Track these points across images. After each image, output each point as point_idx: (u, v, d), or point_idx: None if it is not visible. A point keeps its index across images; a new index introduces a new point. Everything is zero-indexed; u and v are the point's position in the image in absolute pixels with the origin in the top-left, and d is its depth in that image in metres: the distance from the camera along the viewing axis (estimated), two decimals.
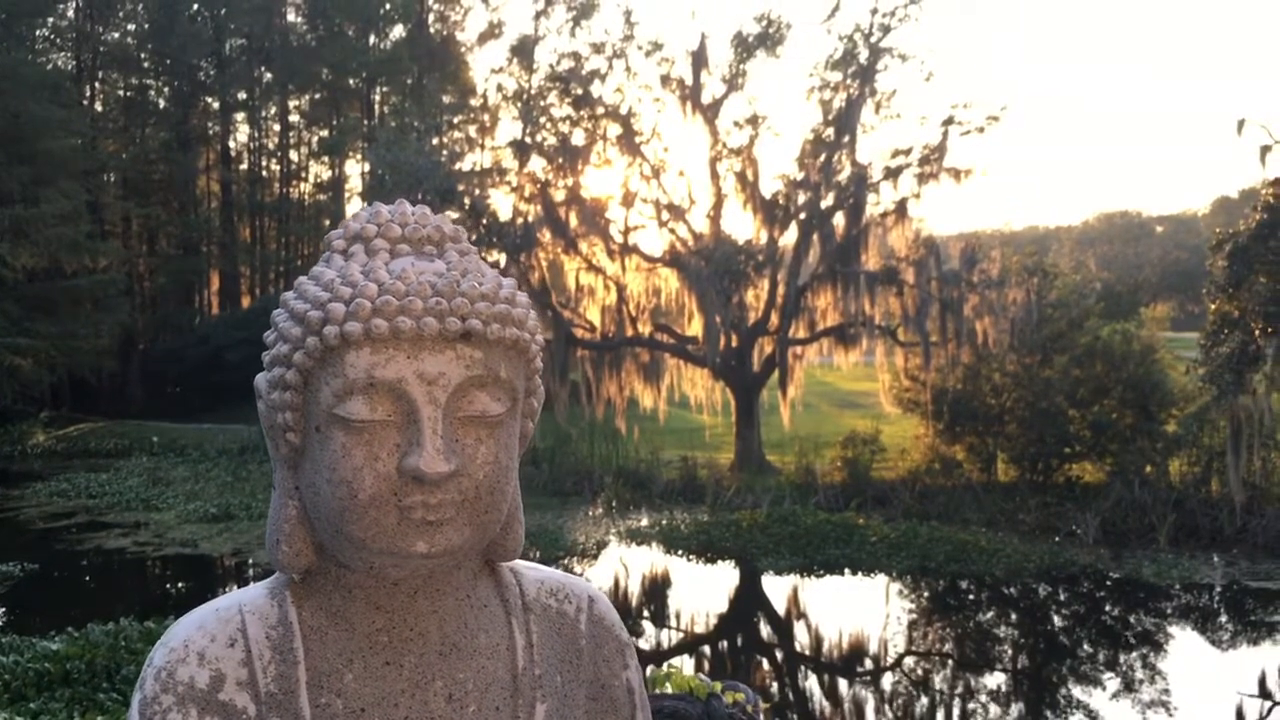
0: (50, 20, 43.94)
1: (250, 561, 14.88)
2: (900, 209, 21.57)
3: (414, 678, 1.18)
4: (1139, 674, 10.24)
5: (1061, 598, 13.30)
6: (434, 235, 1.20)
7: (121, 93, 47.79)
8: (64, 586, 14.11)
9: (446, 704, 1.18)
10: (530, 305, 1.20)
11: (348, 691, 1.16)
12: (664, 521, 17.62)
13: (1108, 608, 13.02)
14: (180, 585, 14.54)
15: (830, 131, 22.10)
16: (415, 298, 1.09)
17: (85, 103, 43.92)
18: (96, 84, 46.76)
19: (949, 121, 21.28)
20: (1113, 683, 9.92)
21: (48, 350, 32.01)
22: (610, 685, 1.33)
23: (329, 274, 1.14)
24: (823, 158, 21.97)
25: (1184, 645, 11.36)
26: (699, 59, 22.62)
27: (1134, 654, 10.99)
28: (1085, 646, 11.42)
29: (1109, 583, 13.71)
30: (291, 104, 49.34)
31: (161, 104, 47.01)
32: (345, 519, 1.09)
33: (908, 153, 21.53)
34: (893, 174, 21.64)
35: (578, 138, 23.20)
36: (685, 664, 10.89)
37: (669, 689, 4.36)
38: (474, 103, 42.69)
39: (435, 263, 1.15)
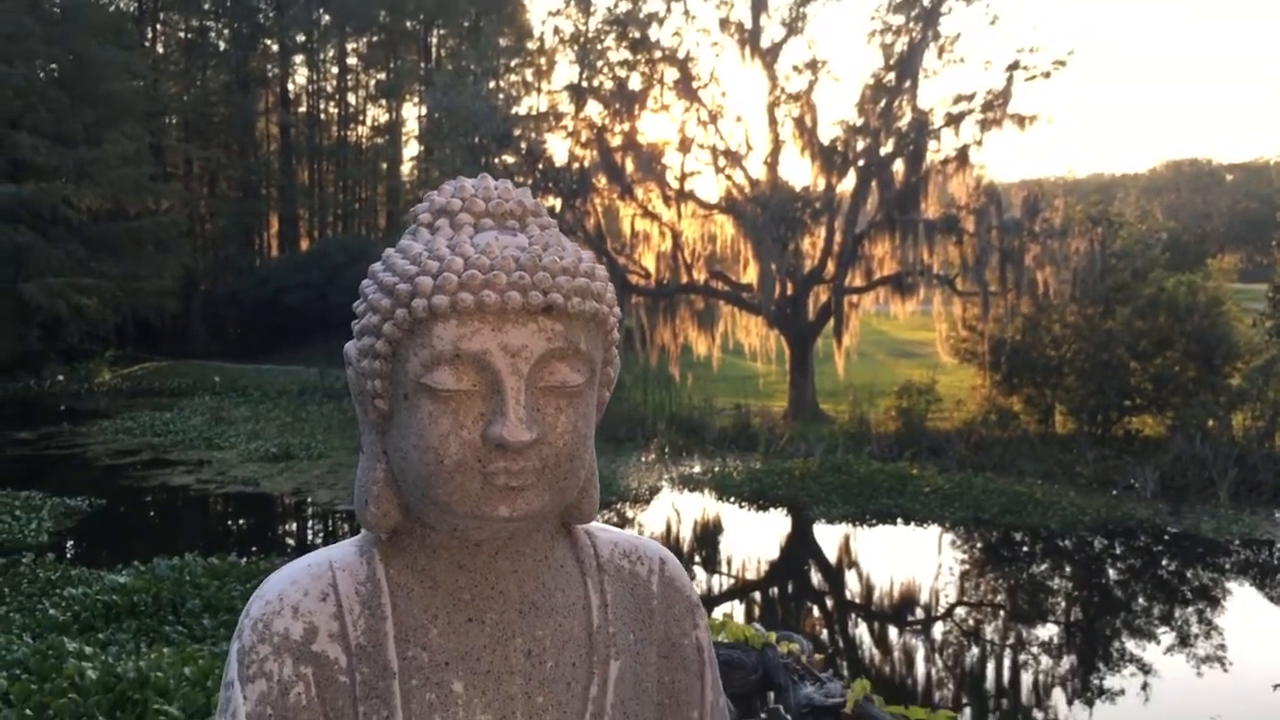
0: None
1: (309, 500, 15.16)
2: (961, 156, 21.20)
3: (495, 634, 1.22)
4: (1194, 629, 10.14)
5: (1117, 551, 13.18)
6: (516, 209, 1.23)
7: (182, 34, 48.18)
8: (130, 522, 14.48)
9: (526, 659, 1.23)
10: (609, 279, 1.23)
11: (433, 645, 1.21)
12: (716, 468, 17.66)
13: (1164, 562, 12.89)
14: (241, 523, 14.86)
15: (891, 76, 21.72)
16: (499, 272, 1.12)
17: (147, 45, 44.35)
18: (158, 25, 47.17)
19: (1014, 66, 20.81)
20: (1167, 637, 9.84)
21: (112, 291, 32.67)
22: (681, 644, 1.38)
23: (416, 248, 1.17)
24: (883, 103, 21.62)
25: (1242, 601, 11.22)
26: (758, 2, 22.28)
27: (1190, 609, 10.88)
28: (1140, 600, 11.33)
29: (1166, 537, 13.56)
30: (349, 47, 49.45)
31: (221, 46, 47.35)
32: (431, 483, 1.13)
33: (970, 98, 21.11)
34: (954, 120, 21.24)
35: (634, 82, 23.01)
36: (736, 610, 10.97)
37: (724, 638, 4.40)
38: (531, 46, 42.53)
39: (518, 236, 1.18)
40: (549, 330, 1.13)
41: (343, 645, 1.20)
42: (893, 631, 10.18)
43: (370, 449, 1.23)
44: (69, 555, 11.61)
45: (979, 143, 21.16)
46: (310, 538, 14.03)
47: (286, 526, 14.77)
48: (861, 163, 22.00)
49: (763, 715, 4.41)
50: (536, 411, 1.13)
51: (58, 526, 12.90)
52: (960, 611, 10.76)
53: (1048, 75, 20.79)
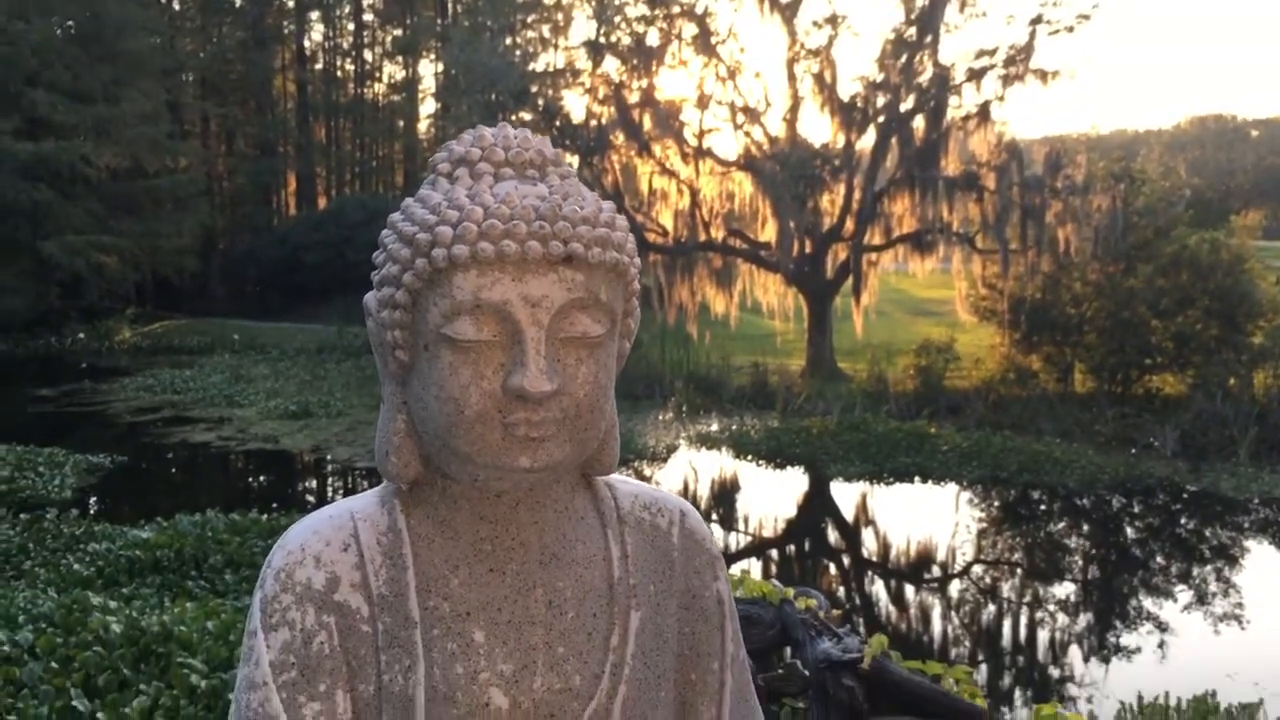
0: None
1: (329, 458, 15.26)
2: (983, 112, 20.97)
3: (516, 584, 1.23)
4: (1212, 587, 10.13)
5: (1135, 510, 13.16)
6: (536, 159, 1.22)
7: None
8: (151, 478, 14.61)
9: (547, 610, 1.23)
10: (629, 228, 1.21)
11: (454, 595, 1.21)
12: (734, 427, 17.68)
13: (1183, 520, 12.86)
14: (262, 479, 14.97)
15: (912, 31, 21.44)
16: (519, 221, 1.11)
17: (163, 1, 44.15)
18: None
19: (1037, 20, 20.51)
20: (1185, 595, 9.84)
21: (132, 249, 32.77)
22: (701, 596, 1.38)
23: (435, 197, 1.17)
24: (903, 59, 21.36)
25: (1261, 560, 11.20)
26: None
27: (1208, 567, 10.87)
28: (1158, 559, 11.32)
29: (1185, 496, 13.53)
30: (365, 2, 49.18)
31: (238, 2, 47.09)
32: (452, 434, 1.13)
33: (993, 53, 20.84)
34: (976, 75, 20.99)
35: (652, 38, 22.80)
36: (754, 567, 11.01)
37: (742, 594, 4.41)
38: (548, 2, 42.19)
39: (538, 186, 1.17)
40: (569, 280, 1.12)
41: (364, 595, 1.21)
42: (909, 589, 10.21)
43: (391, 400, 1.23)
44: (92, 511, 11.73)
45: (1001, 98, 20.94)
46: (330, 494, 14.13)
47: (306, 483, 14.88)
48: (881, 119, 21.79)
49: (780, 670, 4.43)
50: (557, 362, 1.12)
51: (81, 483, 13.02)
52: (977, 569, 10.78)
53: (1071, 30, 20.50)
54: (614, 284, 1.18)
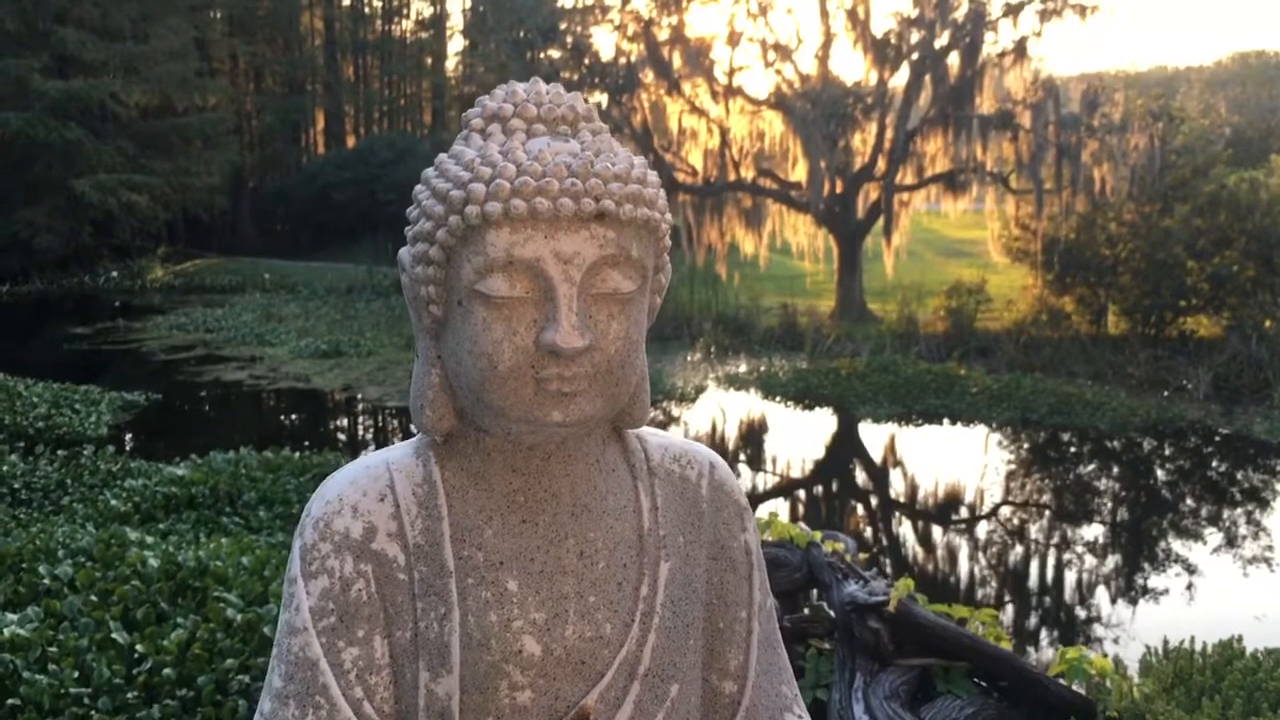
0: None
1: (359, 397, 15.38)
2: (1019, 49, 20.58)
3: (548, 535, 1.25)
4: (1242, 530, 10.10)
5: (1166, 452, 13.09)
6: (568, 115, 1.22)
7: None
8: (185, 416, 14.79)
9: (578, 560, 1.25)
10: (660, 184, 1.21)
11: (487, 545, 1.24)
12: (762, 368, 17.66)
13: (1214, 463, 12.79)
14: (294, 417, 15.13)
15: None
16: (552, 179, 1.11)
17: None
18: None
19: None
20: (1214, 538, 9.81)
21: (163, 187, 32.87)
22: (729, 546, 1.40)
23: (469, 153, 1.17)
24: None
25: None
26: None
27: (1238, 510, 10.83)
28: (1188, 501, 11.28)
29: (1218, 438, 13.44)
30: None
31: None
32: (485, 388, 1.14)
33: None
34: (1013, 10, 20.58)
35: None
36: (781, 508, 11.06)
37: (770, 537, 4.44)
38: None
39: (570, 143, 1.18)
40: (601, 237, 1.13)
41: (401, 544, 1.23)
42: (937, 531, 10.24)
43: (425, 354, 1.25)
44: (128, 448, 11.91)
45: (1038, 34, 20.51)
46: (360, 433, 14.27)
47: (337, 422, 15.02)
48: (915, 56, 21.42)
49: (806, 610, 4.46)
50: (589, 318, 1.13)
51: (116, 420, 13.20)
52: (1005, 511, 10.79)
53: None
54: (645, 240, 1.19)
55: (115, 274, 31.57)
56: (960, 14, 20.88)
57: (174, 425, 13.95)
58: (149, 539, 6.40)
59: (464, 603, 1.22)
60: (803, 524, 4.47)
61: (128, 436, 12.79)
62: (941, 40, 21.13)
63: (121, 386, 14.83)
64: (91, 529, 6.96)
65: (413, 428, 1.31)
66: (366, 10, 49.45)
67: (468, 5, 45.12)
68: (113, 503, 7.96)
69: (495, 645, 1.21)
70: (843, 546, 4.39)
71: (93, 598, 5.09)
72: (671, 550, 1.31)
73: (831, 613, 4.22)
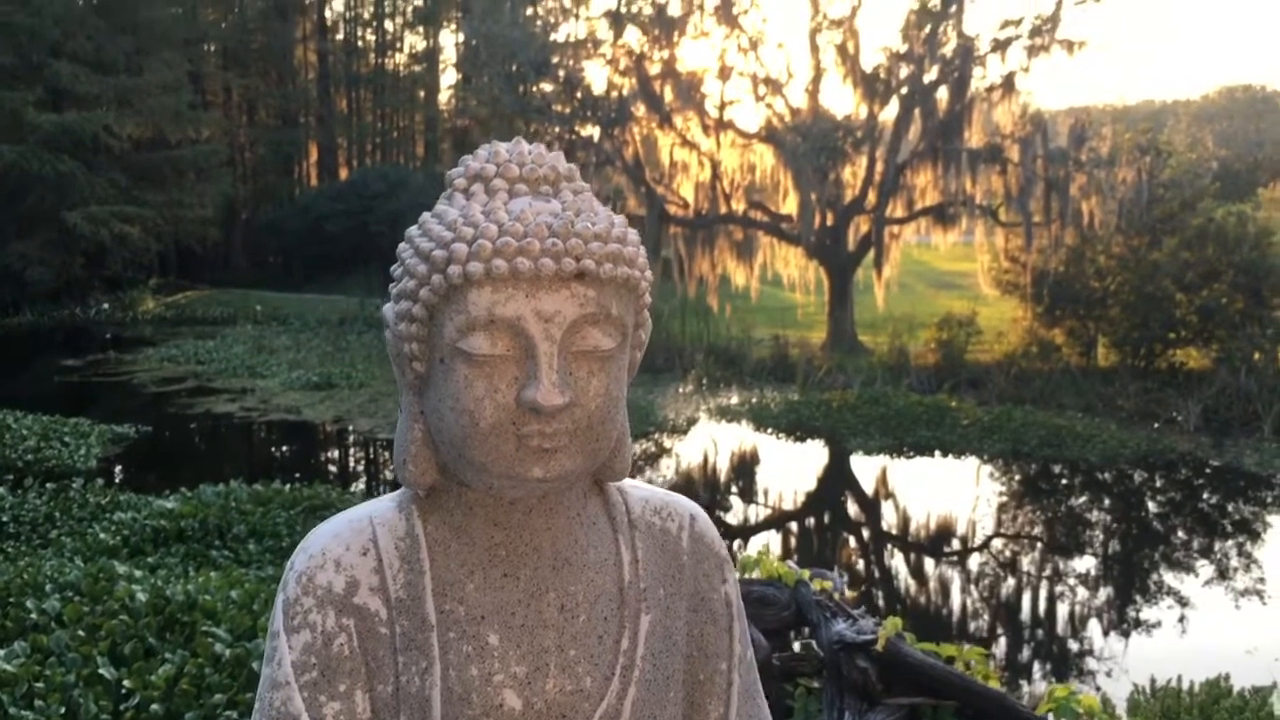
0: None
1: (350, 429, 15.35)
2: (1007, 83, 20.77)
3: (529, 589, 1.26)
4: (1234, 562, 10.10)
5: (1157, 484, 13.11)
6: (549, 175, 1.24)
7: None
8: (176, 448, 14.74)
9: (559, 614, 1.26)
10: (640, 242, 1.24)
11: (469, 599, 1.24)
12: (754, 399, 17.68)
13: (1205, 495, 12.81)
14: (285, 450, 15.09)
15: (936, 1, 21.23)
16: (533, 239, 1.13)
17: None
18: None
19: None
20: (1206, 570, 9.82)
21: (155, 219, 32.89)
22: (709, 598, 1.41)
23: (452, 213, 1.19)
24: (928, 29, 21.16)
25: None
26: None
27: (1230, 542, 10.83)
28: (1180, 533, 11.29)
29: (1208, 470, 13.47)
30: None
31: None
32: (467, 445, 1.15)
33: (1018, 23, 20.63)
34: (1001, 46, 20.78)
35: (674, 8, 22.64)
36: (773, 540, 11.04)
37: (758, 575, 4.43)
38: None
39: (551, 202, 1.20)
40: (581, 296, 1.15)
41: (383, 598, 1.24)
42: (929, 563, 10.22)
43: (409, 409, 1.26)
44: (117, 481, 11.85)
45: (1026, 69, 20.73)
46: (352, 465, 14.24)
47: (328, 454, 14.98)
48: (904, 91, 21.61)
49: (795, 650, 4.45)
50: (569, 375, 1.15)
51: (106, 452, 13.15)
52: (997, 544, 10.78)
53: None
54: (625, 298, 1.20)
55: (106, 306, 31.53)
56: (949, 49, 21.08)
57: (164, 458, 13.90)
58: (137, 573, 6.36)
59: (445, 657, 1.22)
60: (791, 562, 4.47)
61: (117, 469, 12.74)
62: (930, 75, 21.32)
63: (111, 419, 14.78)
64: (79, 563, 6.92)
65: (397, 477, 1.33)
66: (360, 44, 49.73)
67: (461, 39, 45.38)
68: (101, 536, 7.92)
69: (476, 700, 1.22)
70: (831, 585, 4.38)
71: (80, 632, 5.06)
72: (652, 603, 1.32)
73: (820, 652, 4.21)
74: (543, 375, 1.12)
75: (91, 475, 11.25)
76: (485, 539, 1.25)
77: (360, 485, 12.23)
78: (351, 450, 14.88)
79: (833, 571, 4.68)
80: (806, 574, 4.40)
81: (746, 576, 4.37)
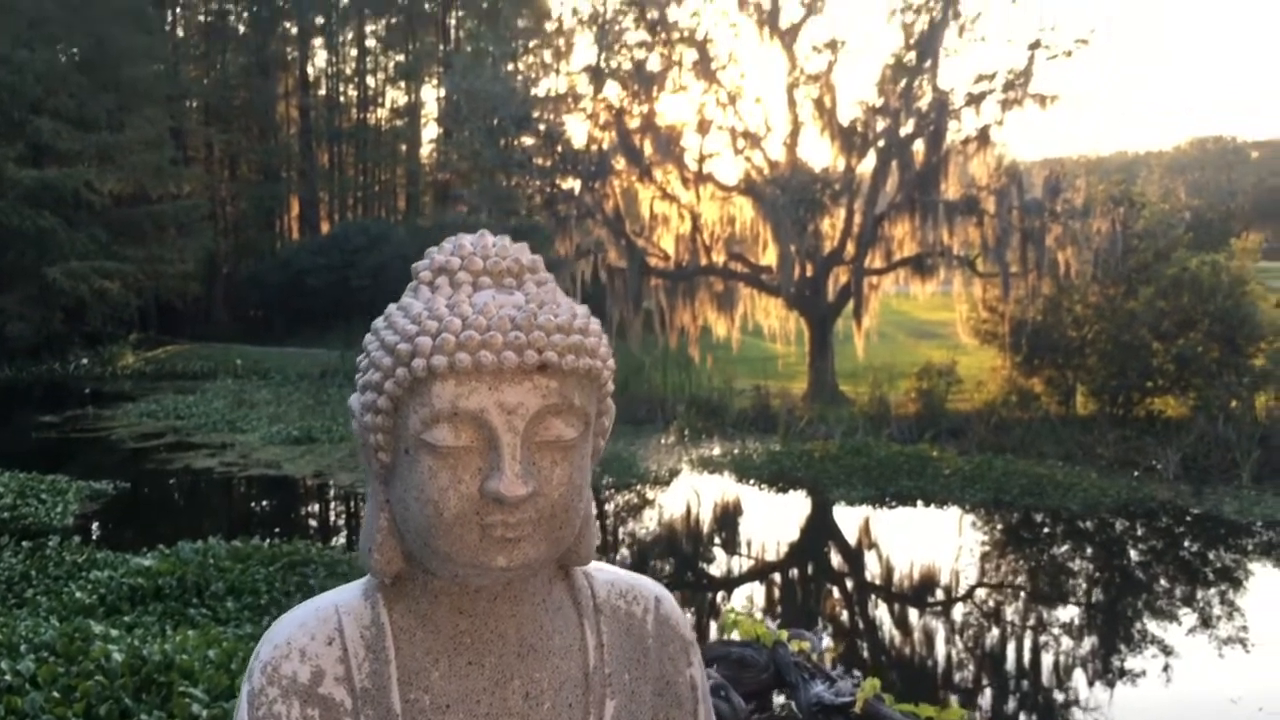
0: None
1: (331, 483, 15.26)
2: (982, 136, 21.05)
3: (494, 676, 1.27)
4: (1216, 610, 10.11)
5: (1139, 533, 13.14)
6: (513, 267, 1.27)
7: (202, 18, 48.26)
8: (154, 505, 14.62)
9: (524, 701, 1.27)
10: (602, 332, 1.27)
11: (434, 688, 1.25)
12: (736, 450, 17.67)
13: (1186, 543, 12.84)
14: (265, 505, 14.98)
15: (912, 56, 21.55)
16: (496, 332, 1.16)
17: (167, 29, 44.43)
18: (177, 10, 47.24)
19: (1035, 45, 20.62)
20: (1189, 618, 9.82)
21: (135, 274, 32.85)
22: (675, 682, 1.42)
23: (417, 306, 1.22)
24: (903, 83, 21.46)
25: (1265, 583, 11.18)
26: None
27: (1212, 590, 10.85)
28: (1162, 582, 11.30)
29: (1189, 519, 13.51)
30: (368, 29, 49.43)
31: (241, 29, 47.40)
32: (432, 534, 1.17)
33: (992, 78, 20.94)
34: (975, 100, 21.08)
35: (653, 63, 22.90)
36: (756, 591, 11.00)
37: (737, 636, 4.42)
38: (549, 27, 42.30)
39: (514, 295, 1.22)
40: (544, 388, 1.17)
41: (348, 688, 1.25)
42: (913, 614, 10.19)
43: (374, 498, 1.27)
44: (95, 538, 11.73)
45: (1000, 122, 21.01)
46: (332, 519, 14.14)
47: (309, 509, 14.88)
48: (881, 143, 21.87)
49: (774, 712, 4.43)
50: (532, 465, 1.16)
51: (83, 509, 13.03)
52: (980, 593, 10.76)
53: (1069, 54, 20.61)
54: (587, 388, 1.22)
55: (86, 361, 31.36)
56: (924, 103, 21.38)
57: (142, 514, 13.77)
58: (114, 632, 6.29)
59: None
60: (770, 623, 4.46)
61: (94, 526, 12.62)
62: (906, 128, 21.59)
63: (89, 475, 14.66)
64: (55, 622, 6.83)
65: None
66: (342, 99, 50.07)
67: (442, 94, 45.72)
68: (78, 595, 7.83)
69: None
70: (809, 645, 4.37)
71: (55, 694, 4.98)
72: (617, 688, 1.34)
73: (799, 713, 4.20)
74: (506, 466, 1.14)
75: (68, 533, 11.14)
76: (450, 627, 1.26)
77: (341, 539, 12.13)
78: (332, 505, 14.78)
79: (812, 631, 4.67)
80: (785, 635, 4.40)
81: (725, 638, 4.36)
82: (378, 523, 1.25)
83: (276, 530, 11.67)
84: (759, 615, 9.72)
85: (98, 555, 9.54)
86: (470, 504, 1.15)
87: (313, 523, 13.90)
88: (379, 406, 1.20)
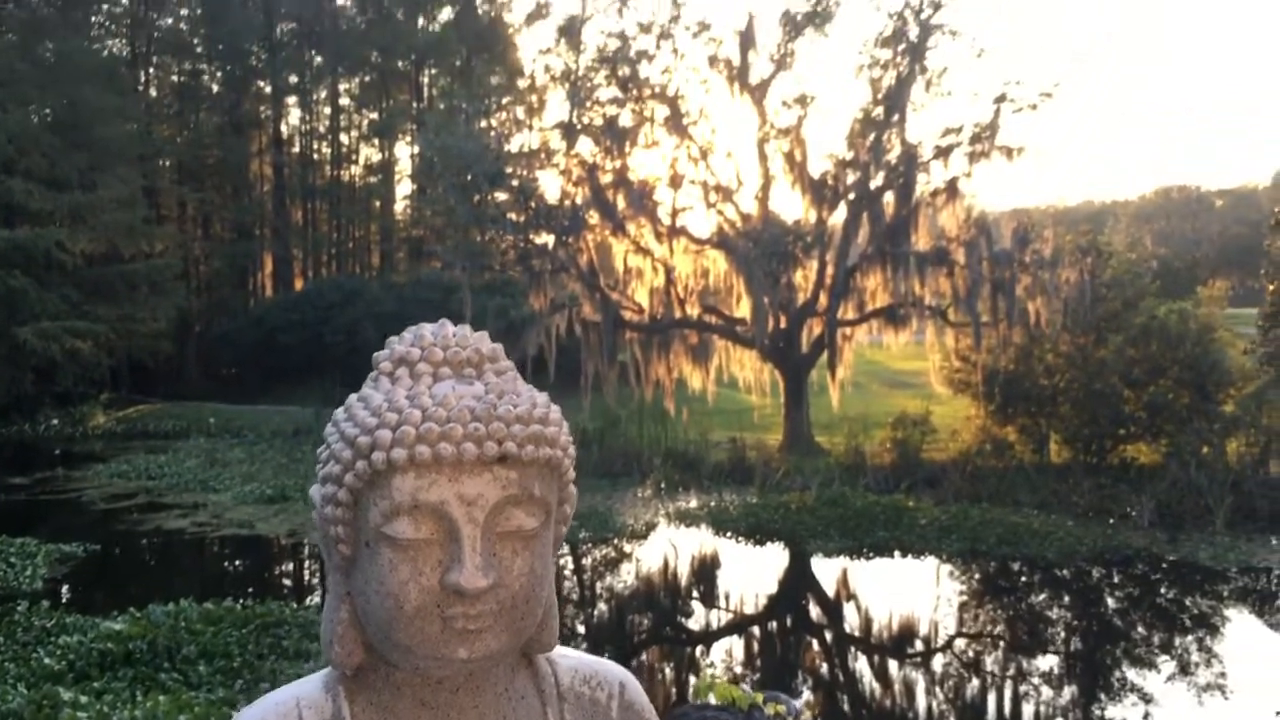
0: (105, 7, 44.68)
1: (305, 542, 15.11)
2: (951, 188, 21.33)
3: None
4: (1194, 657, 10.12)
5: (1115, 580, 13.17)
6: (473, 357, 1.27)
7: (175, 78, 48.43)
8: (125, 567, 14.42)
9: None
10: (562, 421, 1.27)
11: None
12: (713, 503, 17.64)
13: (1163, 591, 12.87)
14: (238, 565, 14.80)
15: (880, 110, 21.88)
16: (456, 424, 1.16)
17: (140, 89, 44.58)
18: (150, 70, 47.41)
19: (1001, 99, 20.99)
20: (1167, 665, 9.83)
21: (106, 334, 32.62)
22: None
23: (377, 398, 1.22)
24: (872, 137, 21.77)
25: (1241, 629, 11.22)
26: (746, 39, 22.48)
27: (1189, 637, 10.87)
28: (1139, 629, 11.31)
29: (1164, 566, 13.55)
30: (342, 87, 49.73)
31: (214, 89, 47.57)
32: (393, 627, 1.16)
33: (959, 131, 21.28)
34: (943, 153, 21.39)
35: (625, 119, 23.14)
36: (734, 645, 10.93)
37: (712, 699, 4.39)
38: (521, 84, 42.75)
39: (474, 385, 1.22)
40: (504, 479, 1.17)
41: None
42: (892, 665, 10.15)
43: (335, 590, 1.26)
44: (64, 602, 11.55)
45: (968, 174, 21.32)
46: (306, 579, 13.98)
47: (282, 568, 14.71)
48: (852, 196, 22.12)
49: None
50: (493, 556, 1.16)
51: (52, 573, 12.84)
52: (959, 643, 10.74)
53: (1034, 107, 20.98)
54: (548, 478, 1.23)
55: (56, 421, 31.05)
56: (893, 156, 21.67)
57: (112, 576, 13.58)
58: (83, 699, 6.19)
59: None
60: (745, 686, 4.43)
61: (64, 589, 12.43)
62: (876, 180, 21.86)
63: (59, 538, 14.46)
64: (23, 689, 6.71)
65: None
66: (316, 157, 50.22)
67: (415, 151, 45.99)
68: (46, 661, 7.70)
69: None
70: (785, 709, 4.35)
71: None
72: None
73: None
74: (466, 558, 1.14)
75: (37, 596, 10.97)
76: (413, 719, 1.25)
77: (315, 598, 12.00)
78: (306, 564, 14.62)
79: (790, 690, 4.65)
80: (760, 698, 4.37)
81: (700, 702, 4.33)
82: (339, 615, 1.24)
83: (250, 590, 11.52)
84: (738, 670, 9.67)
85: (67, 619, 9.40)
86: (431, 596, 1.15)
87: (287, 582, 13.74)
88: (339, 499, 1.20)
